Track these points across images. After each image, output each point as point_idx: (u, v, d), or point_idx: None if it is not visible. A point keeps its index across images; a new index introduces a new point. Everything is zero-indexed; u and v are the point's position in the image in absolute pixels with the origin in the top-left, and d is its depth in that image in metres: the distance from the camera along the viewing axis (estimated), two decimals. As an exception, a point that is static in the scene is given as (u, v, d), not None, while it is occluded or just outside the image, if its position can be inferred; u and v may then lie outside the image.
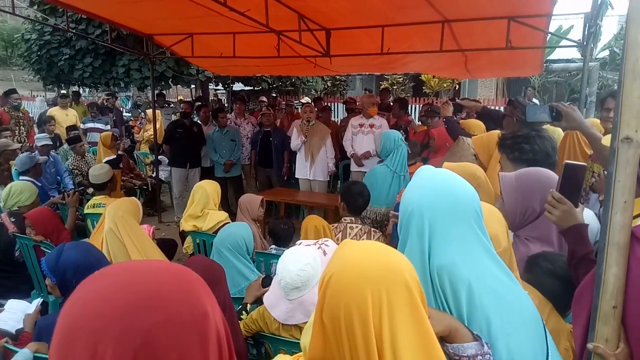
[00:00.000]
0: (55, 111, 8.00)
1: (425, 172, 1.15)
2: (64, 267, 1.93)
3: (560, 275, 1.53)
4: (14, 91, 7.89)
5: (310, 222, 2.89)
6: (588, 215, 1.72)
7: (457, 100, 5.16)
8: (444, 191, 1.08)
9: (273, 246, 3.14)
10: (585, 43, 4.01)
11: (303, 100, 10.05)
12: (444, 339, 0.99)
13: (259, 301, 2.24)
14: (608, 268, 1.09)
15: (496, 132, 2.52)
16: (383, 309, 0.80)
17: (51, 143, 5.78)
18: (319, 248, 1.88)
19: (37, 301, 2.33)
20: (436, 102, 11.40)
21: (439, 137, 4.23)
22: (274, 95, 11.44)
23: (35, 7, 7.87)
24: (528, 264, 1.64)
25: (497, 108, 9.51)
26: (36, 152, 5.46)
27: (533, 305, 1.11)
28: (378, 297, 0.80)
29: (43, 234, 3.29)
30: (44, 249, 3.24)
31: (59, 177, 5.60)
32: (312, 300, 1.78)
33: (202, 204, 3.52)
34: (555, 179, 1.68)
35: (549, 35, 4.59)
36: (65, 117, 7.90)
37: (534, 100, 9.76)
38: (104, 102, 9.72)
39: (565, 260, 1.58)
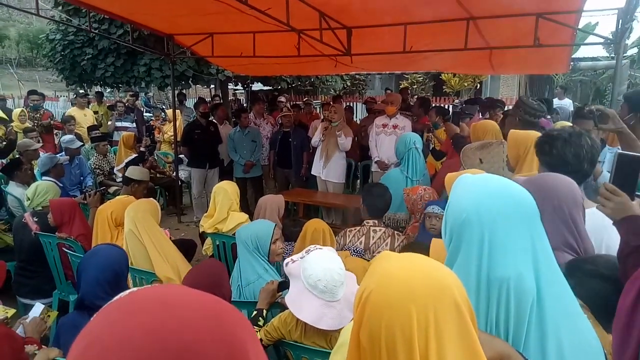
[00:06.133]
0: (73, 111, 8.13)
1: (474, 178, 1.06)
2: (80, 272, 1.92)
3: (606, 275, 1.45)
4: (34, 92, 8.08)
5: (310, 225, 2.83)
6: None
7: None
8: (503, 194, 1.00)
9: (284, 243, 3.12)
10: (618, 40, 3.84)
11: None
12: None
13: (275, 306, 2.20)
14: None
15: (534, 134, 2.41)
16: (430, 331, 0.72)
17: (81, 144, 5.85)
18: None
19: (40, 307, 2.31)
20: (456, 101, 11.20)
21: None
22: (276, 94, 11.39)
23: (60, 8, 7.99)
24: (567, 270, 1.56)
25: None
26: (62, 152, 5.54)
27: (592, 327, 1.02)
28: (424, 318, 0.72)
29: (58, 222, 3.36)
30: (65, 250, 3.26)
31: (82, 178, 5.67)
32: (351, 294, 1.78)
33: (226, 206, 3.48)
34: (563, 192, 1.62)
35: (578, 31, 4.43)
36: (84, 117, 8.03)
37: (565, 99, 9.49)
38: (125, 102, 9.85)
39: (607, 259, 1.52)
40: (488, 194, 1.00)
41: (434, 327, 0.73)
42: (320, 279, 1.78)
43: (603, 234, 1.84)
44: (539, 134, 2.37)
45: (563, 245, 1.60)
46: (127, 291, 0.58)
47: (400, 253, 0.86)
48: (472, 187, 1.03)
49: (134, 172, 4.13)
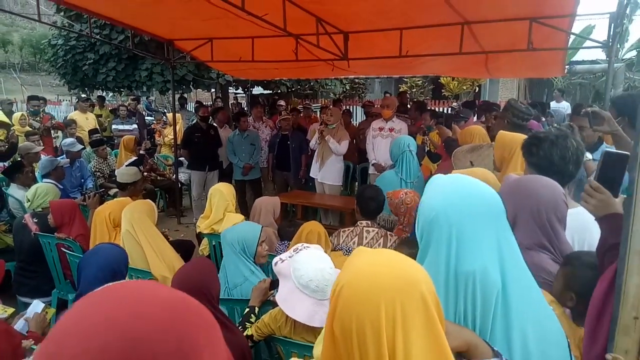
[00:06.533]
0: (75, 115, 8.22)
1: (444, 178, 1.11)
2: (80, 269, 1.97)
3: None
4: (34, 97, 8.17)
5: (307, 227, 2.86)
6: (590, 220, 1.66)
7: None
8: (470, 193, 1.05)
9: (278, 243, 3.16)
10: (610, 43, 3.89)
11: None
12: (462, 356, 0.96)
13: (267, 303, 2.25)
14: (629, 277, 1.05)
15: (520, 137, 2.45)
16: (397, 323, 0.76)
17: (82, 147, 5.92)
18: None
19: (41, 304, 2.36)
20: (454, 104, 11.25)
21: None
22: (276, 97, 11.43)
23: (62, 13, 8.09)
24: (568, 258, 1.63)
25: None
26: (63, 155, 5.61)
27: (557, 319, 1.07)
28: (392, 311, 0.77)
29: (59, 223, 3.41)
30: (64, 250, 3.32)
31: (82, 180, 5.74)
32: None
33: (222, 208, 3.53)
34: (544, 196, 1.66)
35: (572, 36, 4.48)
36: (86, 120, 8.12)
37: (563, 102, 9.53)
38: (127, 106, 9.93)
39: None
40: (456, 193, 1.05)
41: (402, 319, 0.77)
42: (312, 279, 1.81)
43: (586, 234, 1.89)
44: (525, 137, 2.42)
45: (537, 246, 1.64)
46: (104, 285, 0.64)
47: (372, 249, 0.90)
48: (441, 187, 1.08)
49: (123, 176, 4.13)
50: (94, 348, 0.51)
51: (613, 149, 2.42)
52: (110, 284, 0.63)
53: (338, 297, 0.82)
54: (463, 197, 1.04)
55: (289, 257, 1.94)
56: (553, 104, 9.00)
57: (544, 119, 5.25)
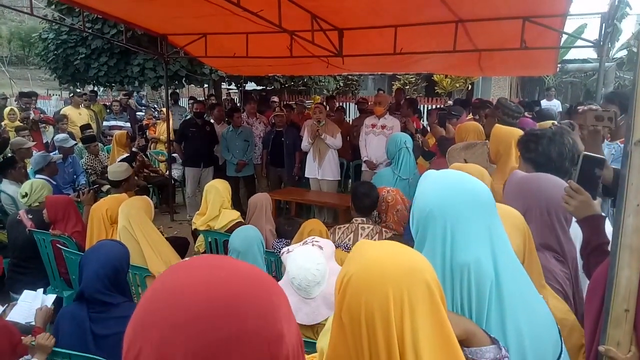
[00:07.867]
0: (68, 110, 8.14)
1: (437, 174, 1.15)
2: (82, 265, 1.98)
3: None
4: (25, 94, 8.07)
5: (308, 225, 2.87)
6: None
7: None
8: (463, 188, 1.09)
9: (275, 240, 3.18)
10: (601, 43, 3.95)
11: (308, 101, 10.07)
12: (461, 343, 0.99)
13: None
14: (620, 270, 1.09)
15: (516, 132, 2.48)
16: (405, 308, 0.80)
17: (75, 143, 5.87)
18: (312, 246, 1.93)
19: (52, 297, 2.36)
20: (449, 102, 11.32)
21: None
22: (263, 94, 11.41)
23: (53, 7, 8.00)
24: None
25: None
26: (55, 151, 5.57)
27: (546, 305, 1.12)
28: (400, 297, 0.80)
29: (53, 219, 3.39)
30: (60, 247, 3.31)
31: (75, 176, 5.70)
32: (331, 291, 1.81)
33: (218, 204, 3.53)
34: (553, 195, 1.65)
35: (564, 35, 4.54)
36: (79, 115, 8.04)
37: (554, 100, 9.62)
38: (120, 101, 9.86)
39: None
40: (449, 188, 1.09)
41: (408, 305, 0.80)
42: (295, 277, 1.83)
43: None
44: (520, 132, 2.46)
45: (543, 246, 1.66)
46: (185, 259, 0.67)
47: (374, 241, 0.93)
48: (435, 183, 1.12)
49: (115, 174, 4.10)
50: (202, 300, 0.55)
51: (618, 144, 2.47)
52: (191, 257, 0.67)
53: (347, 287, 0.85)
54: (456, 191, 1.08)
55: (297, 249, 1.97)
56: (544, 102, 9.07)
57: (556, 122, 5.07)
